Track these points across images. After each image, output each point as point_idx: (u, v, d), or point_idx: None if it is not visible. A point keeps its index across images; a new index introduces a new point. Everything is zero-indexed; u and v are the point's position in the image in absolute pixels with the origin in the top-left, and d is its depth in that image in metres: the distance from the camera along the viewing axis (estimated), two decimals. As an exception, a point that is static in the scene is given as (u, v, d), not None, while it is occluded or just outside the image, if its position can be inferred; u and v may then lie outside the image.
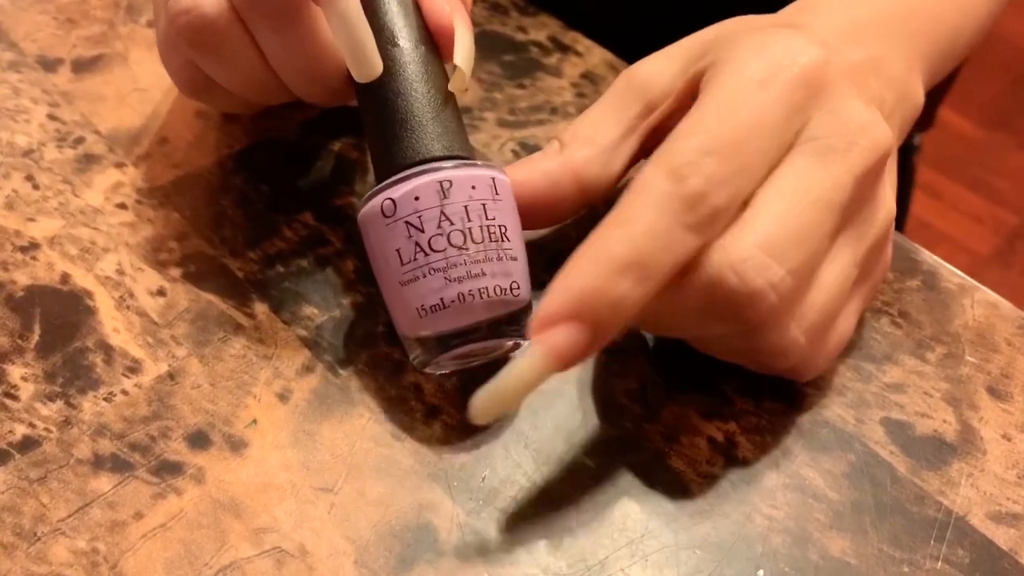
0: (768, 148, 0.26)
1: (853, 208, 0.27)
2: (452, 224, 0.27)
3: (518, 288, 0.28)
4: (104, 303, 0.31)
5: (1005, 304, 0.33)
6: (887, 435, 0.29)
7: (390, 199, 0.27)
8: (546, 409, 0.30)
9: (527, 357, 0.24)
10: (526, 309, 0.28)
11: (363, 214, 0.28)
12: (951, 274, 0.34)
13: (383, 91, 0.29)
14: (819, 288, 0.27)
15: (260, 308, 0.32)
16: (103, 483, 0.27)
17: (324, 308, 0.32)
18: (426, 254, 0.27)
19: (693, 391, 0.30)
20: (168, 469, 0.27)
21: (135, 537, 0.26)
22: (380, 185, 0.28)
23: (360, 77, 0.27)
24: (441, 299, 0.27)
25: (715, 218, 0.25)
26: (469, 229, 0.27)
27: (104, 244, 0.33)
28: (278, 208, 0.35)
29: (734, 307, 0.25)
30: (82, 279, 0.32)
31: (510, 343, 0.29)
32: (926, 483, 0.28)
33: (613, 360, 0.31)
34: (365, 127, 0.30)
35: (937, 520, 0.27)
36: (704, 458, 0.29)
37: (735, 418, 0.30)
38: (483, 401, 0.24)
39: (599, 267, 0.24)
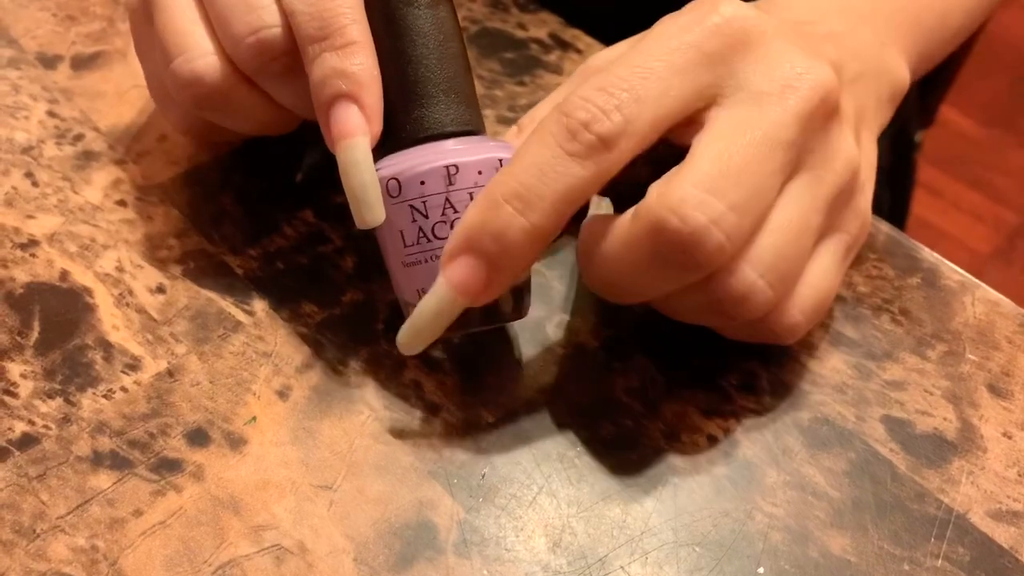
0: (672, 83, 0.26)
1: (804, 150, 0.27)
2: (456, 212, 0.27)
3: None
4: (103, 300, 0.31)
5: (1006, 302, 0.33)
6: (887, 433, 0.29)
7: (395, 179, 0.27)
8: (547, 406, 0.29)
9: (433, 292, 0.26)
10: (522, 292, 0.28)
11: None
12: (952, 272, 0.34)
13: (395, 57, 0.28)
14: (772, 229, 0.26)
15: (260, 305, 0.32)
16: (102, 480, 0.27)
17: (324, 305, 0.32)
18: (429, 240, 0.27)
19: (693, 388, 0.30)
20: (167, 466, 0.27)
21: (134, 534, 0.26)
22: (385, 158, 0.27)
23: (360, 224, 0.27)
24: None
25: (603, 145, 0.25)
26: None
27: (103, 241, 0.33)
28: (278, 205, 0.35)
29: (680, 249, 0.25)
30: (81, 276, 0.32)
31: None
32: (926, 481, 0.28)
33: (614, 357, 0.31)
34: None
35: (937, 518, 0.27)
36: (704, 455, 0.29)
37: (735, 415, 0.30)
38: (406, 337, 0.27)
39: (484, 202, 0.25)
